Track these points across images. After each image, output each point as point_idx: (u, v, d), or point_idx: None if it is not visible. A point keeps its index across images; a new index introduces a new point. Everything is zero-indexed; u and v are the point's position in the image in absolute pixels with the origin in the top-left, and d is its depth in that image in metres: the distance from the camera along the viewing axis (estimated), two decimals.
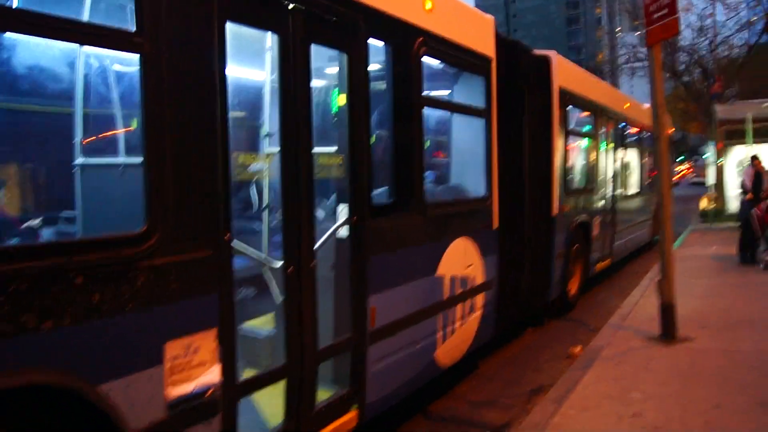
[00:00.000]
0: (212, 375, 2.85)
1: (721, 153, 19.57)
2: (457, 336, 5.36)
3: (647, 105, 14.35)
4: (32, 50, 3.39)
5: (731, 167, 19.36)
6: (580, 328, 7.68)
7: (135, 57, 2.63)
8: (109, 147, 3.84)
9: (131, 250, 2.53)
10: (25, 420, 2.27)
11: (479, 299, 5.75)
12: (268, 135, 4.88)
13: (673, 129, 29.58)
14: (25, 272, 2.17)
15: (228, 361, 2.96)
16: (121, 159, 3.74)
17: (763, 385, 4.88)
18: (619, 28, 68.78)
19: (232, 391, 3.01)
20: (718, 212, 19.51)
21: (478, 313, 5.74)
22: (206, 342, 2.84)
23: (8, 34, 2.96)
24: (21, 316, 2.17)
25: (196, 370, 2.79)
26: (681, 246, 13.70)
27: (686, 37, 25.04)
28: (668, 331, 6.25)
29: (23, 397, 2.22)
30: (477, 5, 5.60)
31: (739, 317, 7.07)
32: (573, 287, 8.69)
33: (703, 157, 33.26)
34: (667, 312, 6.28)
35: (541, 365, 6.36)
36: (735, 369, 5.31)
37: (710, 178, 20.94)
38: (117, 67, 3.68)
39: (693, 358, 5.67)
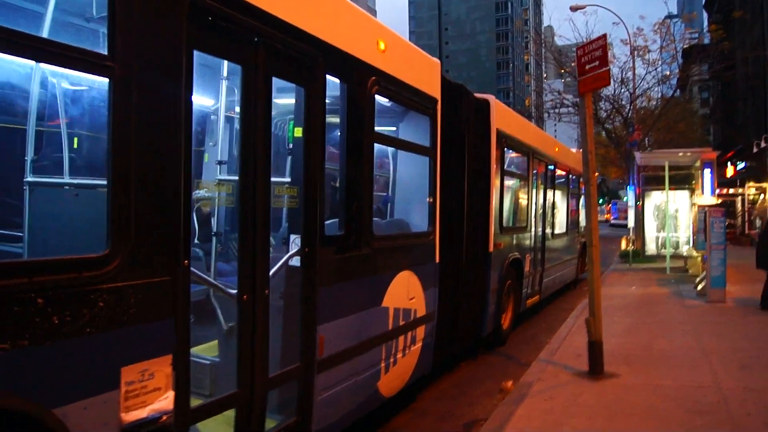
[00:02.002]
0: (166, 401, 2.82)
1: (639, 197, 20.50)
2: (399, 366, 5.44)
3: (574, 149, 15.02)
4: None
5: (649, 211, 20.30)
6: (511, 363, 7.84)
7: (102, 80, 2.63)
8: (65, 167, 3.76)
9: (93, 272, 2.50)
10: None
11: (420, 331, 5.84)
12: (221, 162, 4.88)
13: (597, 173, 30.73)
14: None
15: (182, 387, 2.92)
16: (81, 180, 3.66)
17: (686, 420, 5.08)
18: (545, 75, 71.55)
19: (185, 418, 2.98)
20: (637, 253, 20.34)
21: (418, 345, 5.84)
22: (161, 368, 2.82)
23: None
24: None
25: (150, 395, 2.75)
26: (604, 285, 14.19)
27: (609, 87, 26.31)
28: (595, 367, 6.45)
29: None
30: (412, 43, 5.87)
31: (661, 353, 7.37)
32: (506, 322, 8.91)
33: (624, 200, 34.68)
34: (595, 349, 6.49)
35: (475, 399, 6.43)
36: (659, 404, 5.51)
37: (630, 220, 21.84)
38: (78, 88, 3.65)
39: (619, 393, 5.85)
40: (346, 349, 4.48)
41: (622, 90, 25.68)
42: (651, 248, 20.15)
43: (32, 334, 2.28)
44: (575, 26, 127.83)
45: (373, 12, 64.81)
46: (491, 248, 7.98)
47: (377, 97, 4.96)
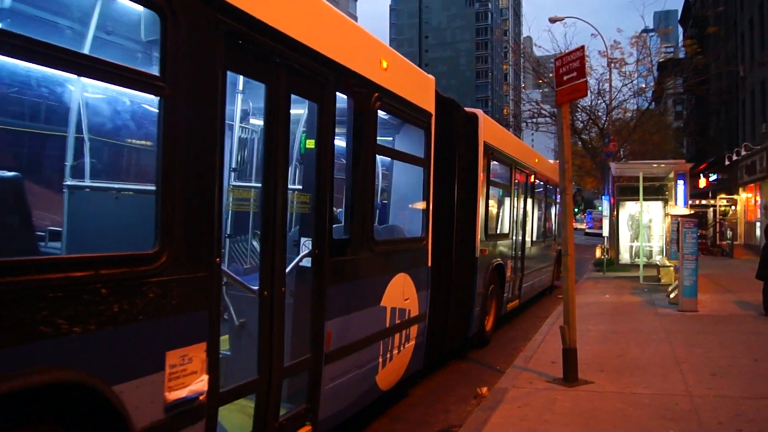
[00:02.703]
0: (201, 383, 3.16)
1: (614, 207, 20.73)
2: (395, 362, 5.83)
3: (551, 160, 15.29)
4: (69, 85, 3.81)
5: (624, 220, 20.53)
6: (487, 369, 7.85)
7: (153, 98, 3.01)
8: (118, 173, 4.31)
9: (145, 267, 2.83)
10: (51, 414, 2.51)
11: (414, 330, 6.22)
12: (234, 170, 5.26)
13: (573, 183, 30.94)
14: (61, 282, 2.45)
15: (213, 372, 3.25)
16: (127, 185, 4.15)
17: (659, 428, 5.14)
18: (524, 85, 72.14)
19: (215, 400, 3.31)
20: (611, 262, 20.56)
21: (412, 343, 6.21)
22: (198, 353, 3.15)
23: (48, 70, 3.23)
24: (57, 320, 2.42)
25: (188, 377, 3.09)
26: (578, 294, 14.30)
27: (586, 98, 26.64)
28: (570, 374, 6.51)
29: (52, 393, 2.46)
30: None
31: (634, 361, 7.44)
32: (489, 324, 9.33)
33: (599, 209, 35.06)
34: (569, 356, 6.54)
35: (450, 406, 6.44)
36: (632, 412, 5.56)
37: (605, 230, 22.06)
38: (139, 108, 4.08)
39: (593, 400, 5.90)
40: (350, 343, 4.82)
41: (599, 101, 25.97)
42: (625, 257, 20.36)
43: (98, 320, 2.58)
44: (554, 37, 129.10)
45: (354, 18, 64.94)
46: (478, 254, 8.40)
47: (379, 112, 5.33)
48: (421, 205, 6.45)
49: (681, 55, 30.52)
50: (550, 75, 24.11)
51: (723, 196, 33.14)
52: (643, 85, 29.00)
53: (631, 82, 26.16)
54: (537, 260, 13.06)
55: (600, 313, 11.35)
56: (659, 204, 19.52)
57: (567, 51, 6.89)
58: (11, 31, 2.37)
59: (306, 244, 4.35)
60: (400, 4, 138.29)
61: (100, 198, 4.06)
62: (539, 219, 13.38)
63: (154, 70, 3.01)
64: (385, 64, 5.39)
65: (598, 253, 23.12)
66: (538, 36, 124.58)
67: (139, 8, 3.19)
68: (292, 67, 3.97)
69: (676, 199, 17.83)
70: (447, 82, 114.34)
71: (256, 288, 3.79)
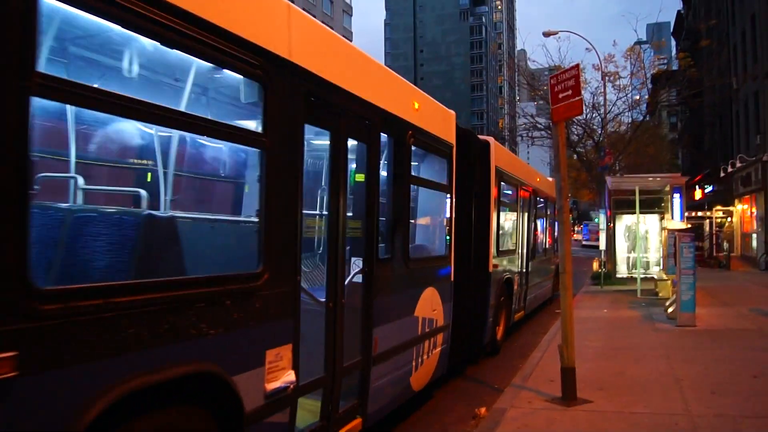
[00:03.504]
0: (289, 377, 3.91)
1: (611, 220, 20.73)
2: (425, 366, 6.60)
3: (547, 174, 15.57)
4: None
5: (620, 233, 20.52)
6: (485, 387, 7.79)
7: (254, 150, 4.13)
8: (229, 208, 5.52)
9: (253, 283, 3.63)
10: (190, 397, 3.22)
11: (440, 338, 7.00)
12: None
13: (569, 198, 31.03)
14: (203, 295, 3.23)
15: (297, 369, 4.00)
16: (240, 217, 5.23)
17: None
18: (518, 98, 72.42)
19: (297, 392, 4.06)
20: (608, 276, 20.52)
21: (438, 349, 6.98)
22: (286, 353, 3.93)
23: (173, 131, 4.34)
24: (200, 324, 3.17)
25: (280, 372, 3.85)
26: (576, 308, 14.27)
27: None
28: (568, 393, 6.46)
29: (196, 380, 3.19)
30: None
31: (633, 379, 7.40)
32: (499, 333, 10.01)
33: (595, 221, 35.07)
34: (568, 375, 6.50)
35: (448, 427, 6.38)
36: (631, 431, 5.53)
37: (602, 243, 22.05)
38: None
39: (592, 421, 5.86)
40: (391, 348, 5.61)
41: (594, 115, 26.06)
42: (622, 269, 20.33)
43: (224, 324, 3.35)
44: (548, 51, 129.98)
45: (350, 34, 65.20)
46: (491, 269, 9.16)
47: (412, 147, 6.16)
48: (444, 226, 7.47)
49: (675, 67, 30.65)
50: (545, 87, 24.22)
51: (719, 207, 33.22)
52: (638, 98, 29.15)
53: (626, 95, 26.26)
54: (539, 274, 13.63)
55: (598, 329, 11.32)
56: (656, 217, 19.55)
57: (562, 68, 6.91)
58: (186, 112, 3.52)
59: (356, 263, 5.13)
60: (395, 19, 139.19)
61: (218, 228, 4.94)
62: (541, 234, 14.02)
63: (253, 126, 3.90)
64: (416, 105, 6.26)
65: (595, 266, 23.10)
66: (532, 50, 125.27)
67: (239, 77, 3.83)
68: (349, 115, 4.87)
69: (672, 213, 17.86)
70: (442, 96, 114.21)
71: (323, 300, 4.59)
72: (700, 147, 41.86)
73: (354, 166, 5.33)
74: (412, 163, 6.28)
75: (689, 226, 21.22)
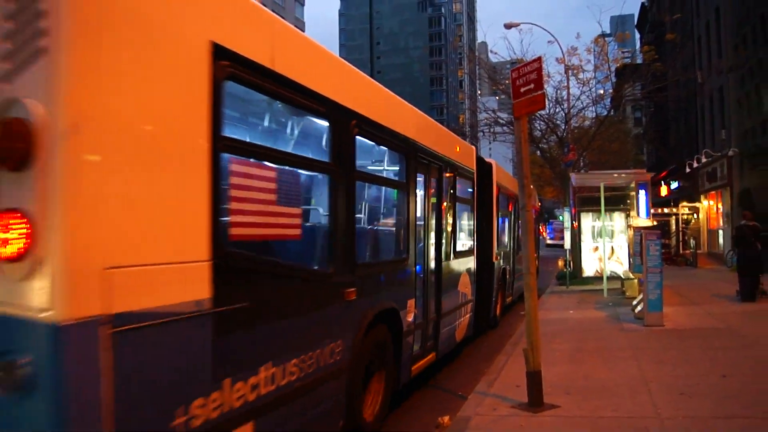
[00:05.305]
0: (413, 316, 7.27)
1: (575, 218, 21.08)
2: (462, 325, 9.99)
3: (511, 172, 16.34)
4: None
5: (585, 231, 20.89)
6: (447, 394, 7.82)
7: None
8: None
9: (405, 263, 7.07)
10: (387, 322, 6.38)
11: (469, 307, 10.48)
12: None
13: (540, 203, 31.76)
14: (378, 269, 6.61)
15: (413, 314, 7.28)
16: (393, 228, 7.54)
17: None
18: (479, 92, 73.01)
19: (413, 326, 7.27)
20: (574, 275, 20.87)
21: (468, 315, 10.45)
22: (411, 303, 7.19)
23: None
24: (383, 282, 6.51)
25: (409, 314, 7.11)
26: (541, 309, 14.45)
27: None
28: (535, 398, 6.52)
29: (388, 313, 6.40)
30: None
31: (601, 382, 7.54)
32: (498, 311, 13.45)
33: (560, 219, 35.57)
34: (534, 379, 6.56)
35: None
36: None
37: (567, 242, 22.39)
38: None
39: (560, 427, 5.94)
40: (449, 310, 9.02)
41: (557, 109, 26.41)
42: (588, 269, 20.70)
43: (396, 283, 6.88)
44: (510, 44, 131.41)
45: (302, 24, 64.82)
46: (495, 259, 12.50)
47: (457, 179, 9.63)
48: (471, 229, 11.05)
49: (639, 61, 31.27)
50: (506, 82, 24.46)
51: (685, 204, 34.08)
52: (602, 92, 29.67)
53: (590, 90, 26.68)
54: (521, 266, 15.37)
55: (565, 330, 11.49)
56: (621, 214, 19.96)
57: (524, 61, 7.00)
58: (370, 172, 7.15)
59: (434, 257, 8.48)
60: (351, 9, 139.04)
61: (390, 235, 7.48)
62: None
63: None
64: (458, 149, 9.78)
65: (560, 265, 23.42)
66: (494, 43, 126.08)
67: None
68: (429, 164, 8.19)
69: (638, 210, 18.24)
70: (401, 90, 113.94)
71: (422, 275, 7.84)
72: (665, 142, 42.85)
73: (431, 192, 8.39)
74: (457, 188, 9.64)
75: (655, 223, 21.72)
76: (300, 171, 5.09)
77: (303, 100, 4.71)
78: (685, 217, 33.17)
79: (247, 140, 4.83)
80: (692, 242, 30.23)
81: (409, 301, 7.01)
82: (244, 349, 3.87)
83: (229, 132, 3.95)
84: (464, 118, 51.07)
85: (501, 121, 29.08)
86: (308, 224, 5.53)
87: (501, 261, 13.33)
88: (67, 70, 2.73)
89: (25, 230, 2.71)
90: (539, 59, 6.72)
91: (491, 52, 30.81)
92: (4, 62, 2.84)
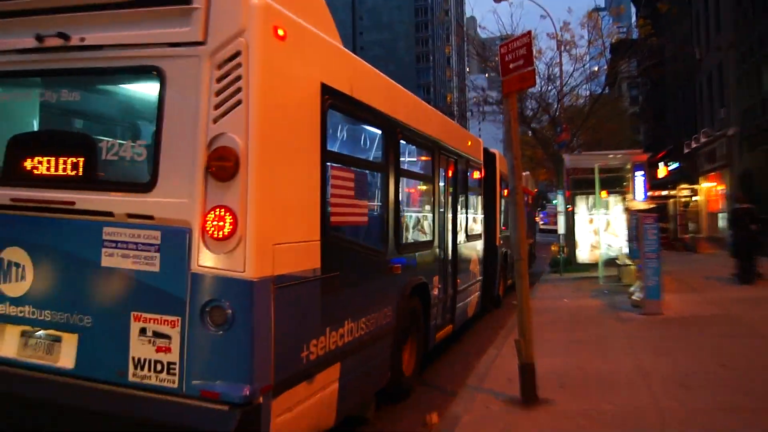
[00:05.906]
0: (436, 291, 8.50)
1: (569, 201, 21.05)
2: (472, 302, 11.27)
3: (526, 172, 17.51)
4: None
5: (581, 215, 20.86)
6: (437, 393, 7.76)
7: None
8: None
9: (432, 245, 8.54)
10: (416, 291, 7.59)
11: (478, 286, 11.78)
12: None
13: (537, 189, 31.75)
14: (413, 249, 7.82)
15: (437, 289, 8.57)
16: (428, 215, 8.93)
17: None
18: (468, 69, 72.76)
19: (435, 299, 8.48)
20: (568, 261, 20.86)
21: (477, 293, 11.79)
22: (437, 279, 8.58)
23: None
24: (417, 261, 7.71)
25: (435, 288, 8.47)
26: (534, 298, 14.46)
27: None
28: (528, 393, 6.47)
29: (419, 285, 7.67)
30: None
31: (597, 374, 7.53)
32: (501, 291, 14.77)
33: (553, 203, 35.64)
34: (527, 372, 6.50)
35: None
36: None
37: (560, 226, 22.39)
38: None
39: (556, 423, 5.90)
40: (463, 288, 10.24)
41: (549, 87, 26.31)
42: (583, 255, 20.71)
43: (426, 260, 8.23)
44: (499, 18, 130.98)
45: None
46: (498, 243, 13.78)
47: (469, 170, 11.02)
48: (479, 214, 12.33)
49: (635, 36, 31.22)
50: (496, 59, 24.28)
51: (684, 186, 34.13)
52: (596, 68, 29.60)
53: (583, 66, 26.57)
54: None
55: (559, 320, 11.49)
56: (618, 197, 19.95)
57: (513, 36, 6.91)
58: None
59: (452, 240, 9.65)
60: None
61: (422, 221, 8.86)
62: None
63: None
64: (469, 143, 11.09)
65: (554, 250, 23.43)
66: (482, 17, 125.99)
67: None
68: (455, 159, 9.86)
69: (634, 192, 18.24)
70: (385, 67, 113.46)
71: (443, 256, 9.01)
72: (662, 121, 42.94)
73: (450, 183, 9.79)
74: (469, 178, 11.03)
75: (653, 206, 21.74)
76: (365, 171, 6.48)
77: (367, 115, 6.30)
78: (683, 199, 33.28)
79: (335, 150, 5.99)
80: (691, 226, 30.32)
81: (435, 278, 8.40)
82: (336, 306, 5.34)
83: (329, 146, 5.36)
84: (452, 97, 50.85)
85: (490, 99, 28.98)
86: (371, 213, 6.73)
87: (503, 246, 14.49)
88: (255, 113, 4.18)
89: (231, 219, 4.12)
90: (529, 33, 6.63)
91: (480, 27, 30.71)
92: (215, 109, 4.21)
